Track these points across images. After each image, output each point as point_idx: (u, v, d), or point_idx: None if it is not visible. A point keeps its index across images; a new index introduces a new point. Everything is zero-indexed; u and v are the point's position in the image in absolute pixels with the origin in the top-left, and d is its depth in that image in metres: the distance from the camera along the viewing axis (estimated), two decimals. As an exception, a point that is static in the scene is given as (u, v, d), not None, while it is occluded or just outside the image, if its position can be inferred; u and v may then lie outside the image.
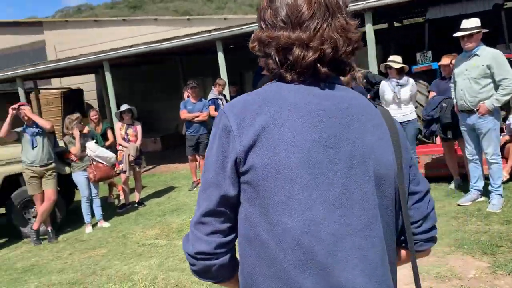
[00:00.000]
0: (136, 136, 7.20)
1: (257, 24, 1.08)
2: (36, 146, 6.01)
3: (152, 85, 14.58)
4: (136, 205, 7.18)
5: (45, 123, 6.05)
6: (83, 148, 6.24)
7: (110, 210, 7.19)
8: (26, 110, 6.02)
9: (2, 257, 5.73)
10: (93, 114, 7.83)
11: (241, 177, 0.98)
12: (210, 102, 8.05)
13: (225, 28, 8.69)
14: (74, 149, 6.19)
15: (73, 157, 6.23)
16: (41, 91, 15.03)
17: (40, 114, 14.00)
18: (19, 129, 6.09)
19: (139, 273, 4.40)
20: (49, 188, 6.04)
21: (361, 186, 0.99)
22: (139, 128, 7.27)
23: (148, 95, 14.61)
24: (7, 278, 4.87)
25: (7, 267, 5.26)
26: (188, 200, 7.04)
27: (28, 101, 14.17)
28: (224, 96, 8.42)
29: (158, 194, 7.85)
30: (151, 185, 8.74)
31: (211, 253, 1.03)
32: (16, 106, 6.03)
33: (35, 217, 6.25)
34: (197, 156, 7.80)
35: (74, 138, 6.21)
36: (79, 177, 6.24)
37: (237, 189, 1.00)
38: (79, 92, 15.55)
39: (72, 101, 14.68)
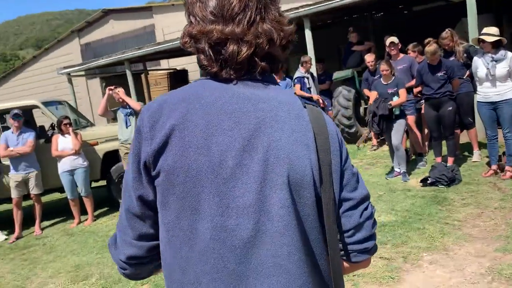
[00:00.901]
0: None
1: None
2: (130, 125, 6.55)
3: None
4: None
5: (135, 105, 6.53)
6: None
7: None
8: (120, 92, 6.56)
9: (101, 224, 6.41)
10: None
11: (154, 180, 0.95)
12: (295, 80, 7.96)
13: (313, 4, 8.45)
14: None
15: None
16: (150, 72, 16.25)
17: (148, 93, 15.16)
18: (115, 109, 6.69)
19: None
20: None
21: (275, 192, 0.91)
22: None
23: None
24: (101, 243, 5.45)
25: (102, 234, 5.88)
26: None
27: (139, 82, 15.45)
28: (311, 74, 8.25)
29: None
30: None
31: (143, 257, 1.02)
32: (112, 87, 6.61)
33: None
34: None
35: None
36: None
37: (154, 193, 0.96)
38: (184, 73, 16.48)
39: (178, 81, 15.64)
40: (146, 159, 0.93)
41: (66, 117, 6.53)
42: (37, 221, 6.62)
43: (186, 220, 0.91)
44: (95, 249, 5.29)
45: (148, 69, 16.52)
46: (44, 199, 7.33)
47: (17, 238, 6.39)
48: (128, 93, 13.46)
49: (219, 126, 0.91)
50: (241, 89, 0.96)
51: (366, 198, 1.02)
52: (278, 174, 0.91)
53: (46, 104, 7.36)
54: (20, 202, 6.49)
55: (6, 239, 6.46)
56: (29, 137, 6.44)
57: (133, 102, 6.55)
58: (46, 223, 6.92)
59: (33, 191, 6.49)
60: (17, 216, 6.48)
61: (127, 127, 6.53)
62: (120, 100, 6.54)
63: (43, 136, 6.86)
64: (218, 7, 0.94)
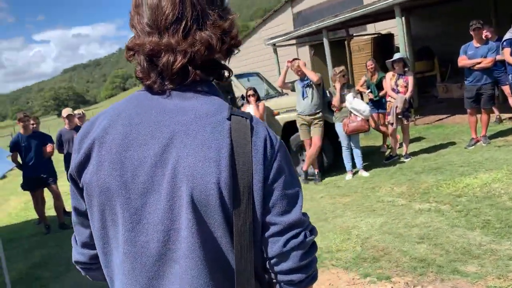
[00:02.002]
0: (406, 87, 6.86)
1: None
2: (306, 97, 6.70)
3: (458, 25, 13.07)
4: (402, 158, 7.00)
5: (313, 76, 6.61)
6: (343, 99, 6.51)
7: (377, 160, 7.28)
8: (299, 64, 6.73)
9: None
10: (369, 64, 7.89)
11: (83, 192, 0.98)
12: (505, 43, 6.68)
13: None
14: (335, 100, 6.55)
15: (334, 108, 6.62)
16: (354, 38, 15.99)
17: (350, 60, 15.03)
18: (293, 81, 6.92)
19: (359, 228, 4.47)
20: (315, 135, 6.69)
21: (183, 212, 0.87)
22: (410, 78, 6.87)
23: (452, 37, 13.21)
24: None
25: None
26: (457, 159, 6.31)
27: (343, 49, 15.42)
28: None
29: (430, 148, 7.34)
30: (430, 137, 8.20)
31: (88, 263, 1.08)
32: (291, 60, 6.83)
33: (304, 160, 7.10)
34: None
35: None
36: (338, 127, 6.61)
37: (85, 204, 0.99)
38: (389, 37, 15.65)
39: (382, 46, 14.97)
40: (72, 172, 0.99)
41: (251, 89, 7.08)
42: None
43: (109, 232, 0.94)
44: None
45: (354, 35, 16.31)
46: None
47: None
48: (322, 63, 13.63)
49: (135, 140, 0.90)
50: (168, 100, 0.93)
51: (297, 224, 0.88)
52: (184, 193, 0.86)
53: (239, 76, 8.13)
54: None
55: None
56: (223, 108, 7.28)
57: (311, 74, 6.64)
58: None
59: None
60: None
61: (303, 99, 6.70)
62: (298, 71, 6.72)
63: (233, 106, 7.62)
64: (152, 19, 0.93)
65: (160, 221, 0.87)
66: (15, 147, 6.59)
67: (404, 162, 6.86)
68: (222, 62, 0.98)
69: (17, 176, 8.97)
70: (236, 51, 0.97)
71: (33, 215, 7.41)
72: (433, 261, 3.48)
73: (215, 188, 0.84)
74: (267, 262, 0.90)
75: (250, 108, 7.02)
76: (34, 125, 7.20)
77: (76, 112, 7.91)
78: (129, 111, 0.94)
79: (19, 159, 6.67)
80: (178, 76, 0.91)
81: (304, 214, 0.92)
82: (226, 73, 0.97)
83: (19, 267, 5.20)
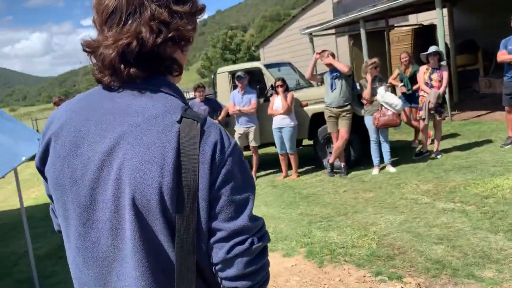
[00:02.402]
0: (440, 81, 6.61)
1: None
2: (335, 89, 6.59)
3: (505, 17, 12.41)
4: (432, 155, 6.78)
5: (343, 67, 6.48)
6: (374, 92, 6.36)
7: (407, 155, 7.10)
8: (327, 59, 6.62)
9: (302, 180, 6.84)
10: (404, 56, 7.65)
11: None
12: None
13: None
14: (365, 93, 6.41)
15: (364, 101, 6.48)
16: (395, 28, 15.50)
17: (389, 51, 14.62)
18: (322, 73, 6.83)
19: (378, 225, 4.39)
20: (343, 127, 6.59)
21: (126, 213, 0.88)
22: (445, 73, 6.61)
23: (498, 29, 12.55)
24: (291, 199, 5.87)
25: (298, 190, 6.29)
26: (489, 158, 6.05)
27: (382, 40, 15.02)
28: None
29: (464, 146, 7.06)
30: (465, 134, 7.89)
31: None
32: (319, 52, 6.73)
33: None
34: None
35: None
36: (367, 121, 6.48)
37: None
38: (432, 28, 15.06)
39: (424, 38, 14.44)
40: (36, 164, 1.02)
41: (279, 79, 7.03)
42: (253, 170, 7.55)
43: (65, 232, 0.97)
44: (284, 203, 5.74)
45: (395, 25, 15.82)
46: (262, 151, 8.24)
47: (237, 182, 7.48)
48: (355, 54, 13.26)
49: (86, 138, 0.92)
50: (120, 99, 0.93)
51: (243, 231, 0.87)
52: (126, 195, 0.87)
53: (269, 66, 8.09)
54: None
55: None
56: (252, 98, 7.29)
57: (340, 65, 6.51)
58: (262, 172, 7.81)
59: (252, 143, 7.40)
60: (238, 164, 7.55)
61: (332, 91, 6.60)
62: (327, 63, 6.62)
63: (262, 96, 7.61)
64: (96, 15, 0.94)
65: (108, 220, 0.89)
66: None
67: (434, 159, 6.65)
68: (177, 55, 0.95)
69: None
70: (183, 42, 0.93)
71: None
72: (449, 264, 3.37)
73: (157, 192, 0.84)
74: (213, 268, 0.90)
75: (278, 99, 7.00)
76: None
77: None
78: (85, 107, 0.95)
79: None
80: (112, 70, 0.90)
81: (254, 220, 0.90)
82: (176, 67, 0.95)
83: (47, 245, 5.45)
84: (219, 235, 0.87)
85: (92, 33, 0.98)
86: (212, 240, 0.87)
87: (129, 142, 0.87)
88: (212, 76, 8.60)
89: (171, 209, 0.85)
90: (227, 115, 7.58)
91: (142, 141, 0.87)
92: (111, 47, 0.88)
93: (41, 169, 1.00)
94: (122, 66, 0.90)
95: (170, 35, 0.89)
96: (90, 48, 0.92)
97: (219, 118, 7.60)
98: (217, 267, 0.89)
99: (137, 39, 0.87)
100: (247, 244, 0.87)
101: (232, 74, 7.77)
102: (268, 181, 7.21)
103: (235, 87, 7.61)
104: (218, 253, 0.87)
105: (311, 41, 13.86)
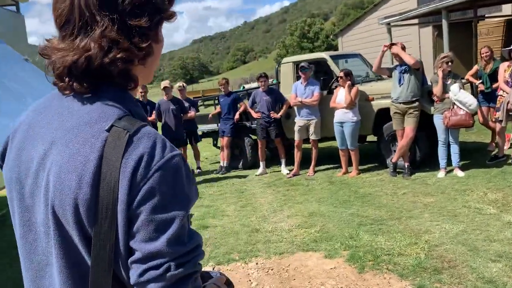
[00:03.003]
0: (524, 79, 5.97)
1: None
2: (402, 83, 6.22)
3: None
4: (510, 160, 6.18)
5: (409, 59, 6.09)
6: (446, 89, 5.89)
7: (480, 159, 6.54)
8: (394, 48, 6.25)
9: (361, 178, 6.58)
10: (484, 51, 7.00)
11: None
12: None
13: None
14: (436, 89, 5.96)
15: (434, 98, 6.04)
16: (485, 19, 14.29)
17: (475, 45, 13.53)
18: (392, 67, 6.47)
19: (431, 234, 4.10)
20: (409, 125, 6.21)
21: (49, 219, 0.86)
22: (531, 70, 5.96)
23: None
24: (345, 198, 5.67)
25: (355, 188, 6.06)
26: None
27: (470, 31, 13.93)
28: None
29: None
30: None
31: None
32: (387, 44, 6.36)
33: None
34: None
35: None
36: (436, 119, 6.03)
37: None
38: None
39: (517, 30, 13.17)
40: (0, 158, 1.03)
41: (343, 71, 6.77)
42: (312, 164, 7.40)
43: (14, 223, 0.97)
44: (337, 202, 5.55)
45: (486, 16, 14.60)
46: (322, 145, 8.04)
47: (294, 175, 7.38)
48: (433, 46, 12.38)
49: (30, 140, 0.91)
50: (66, 102, 0.91)
51: (159, 255, 0.79)
52: (49, 203, 0.85)
53: (336, 57, 7.83)
54: (300, 144, 7.41)
55: (287, 173, 7.55)
56: (315, 90, 7.12)
57: (407, 57, 6.12)
58: (321, 167, 7.64)
59: (312, 136, 7.25)
60: (297, 156, 7.44)
61: (399, 85, 6.24)
62: (397, 57, 6.25)
63: (326, 88, 7.39)
64: (54, 19, 0.92)
65: (42, 224, 0.87)
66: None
67: (511, 165, 6.05)
68: (135, 69, 0.90)
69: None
70: (137, 60, 0.88)
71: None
72: (504, 285, 3.05)
73: (72, 203, 0.81)
74: None
75: (341, 91, 6.76)
76: (143, 93, 7.83)
77: (177, 84, 8.40)
78: (42, 108, 0.94)
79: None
80: (64, 83, 0.88)
81: (178, 243, 0.81)
82: (129, 83, 0.90)
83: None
84: (136, 255, 0.80)
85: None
86: (129, 260, 0.81)
87: (58, 148, 0.85)
88: (276, 66, 8.52)
89: (87, 223, 0.81)
90: (289, 107, 7.48)
91: (68, 148, 0.84)
92: (59, 61, 0.86)
93: (1, 164, 1.01)
94: (67, 79, 0.88)
95: (118, 55, 0.85)
96: (44, 55, 0.90)
97: (281, 113, 7.53)
98: None
99: (84, 56, 0.84)
100: (161, 270, 0.79)
101: (297, 64, 7.62)
102: (326, 177, 7.03)
103: (299, 78, 7.46)
104: (133, 274, 0.81)
105: (389, 31, 13.18)
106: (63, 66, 0.86)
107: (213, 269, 3.86)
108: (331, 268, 3.63)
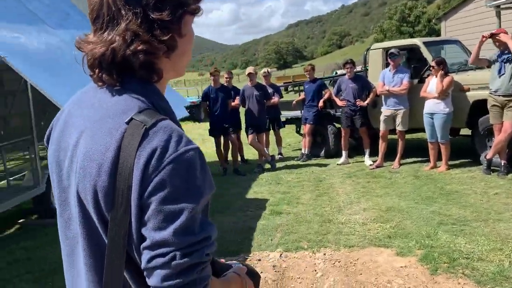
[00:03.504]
0: None
1: None
2: (503, 74, 5.67)
3: None
4: None
5: (514, 47, 5.49)
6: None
7: None
8: (502, 36, 5.67)
9: (451, 175, 6.15)
10: None
11: None
12: None
13: None
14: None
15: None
16: None
17: None
18: (490, 56, 5.90)
19: (521, 241, 3.72)
20: (508, 120, 5.66)
21: (73, 205, 0.94)
22: None
23: None
24: (429, 194, 5.35)
25: (442, 184, 5.69)
26: None
27: None
28: None
29: None
30: None
31: None
32: (487, 34, 5.79)
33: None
34: None
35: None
36: (541, 115, 5.41)
37: None
38: None
39: None
40: (44, 141, 1.13)
41: (435, 60, 6.33)
42: (398, 156, 7.07)
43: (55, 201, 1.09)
44: (419, 197, 5.27)
45: None
46: (409, 136, 7.63)
47: (377, 167, 7.12)
48: None
49: (67, 128, 1.00)
50: (99, 94, 0.98)
51: (167, 243, 0.82)
52: (69, 189, 0.94)
53: (431, 44, 7.33)
54: (386, 134, 7.12)
55: (370, 164, 7.31)
56: (404, 78, 6.76)
57: (512, 44, 5.53)
58: (408, 160, 7.27)
59: (399, 127, 6.92)
60: (381, 147, 7.16)
61: (499, 76, 5.69)
62: (497, 44, 5.69)
63: (417, 76, 6.97)
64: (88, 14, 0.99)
65: (74, 205, 0.95)
66: (205, 97, 7.55)
67: None
68: (160, 62, 0.94)
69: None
70: (158, 53, 0.92)
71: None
72: None
73: (92, 189, 0.87)
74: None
75: (433, 81, 6.34)
76: (228, 79, 8.06)
77: (262, 70, 8.49)
78: (81, 98, 1.03)
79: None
80: (95, 74, 0.94)
81: (185, 234, 0.83)
82: (152, 76, 0.94)
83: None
84: (146, 242, 0.85)
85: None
86: (141, 246, 0.86)
87: (85, 137, 0.92)
88: (364, 52, 8.21)
89: (104, 207, 0.87)
90: (376, 95, 7.20)
91: (92, 138, 0.90)
92: (90, 54, 0.93)
93: (47, 147, 1.12)
94: (97, 70, 0.94)
95: (139, 48, 0.89)
96: (79, 48, 0.98)
97: (367, 101, 7.27)
98: (145, 273, 0.87)
99: (110, 48, 0.90)
100: (167, 258, 0.82)
101: (386, 51, 7.28)
102: (411, 170, 6.68)
103: (388, 65, 7.13)
104: (143, 259, 0.85)
105: (498, 15, 11.99)
106: (93, 58, 0.92)
107: (280, 255, 3.91)
108: (401, 267, 3.48)
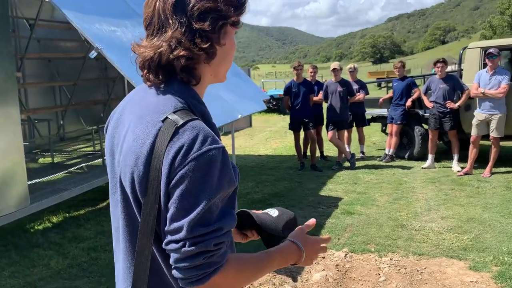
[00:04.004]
0: None
1: None
2: None
3: None
4: None
5: None
6: None
7: None
8: None
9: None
10: None
11: None
12: None
13: None
14: None
15: None
16: None
17: None
18: None
19: None
20: None
21: (117, 196, 1.09)
22: None
23: None
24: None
25: None
26: None
27: None
28: None
29: None
30: None
31: None
32: None
33: None
34: None
35: None
36: None
37: None
38: None
39: None
40: (104, 130, 1.29)
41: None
42: (490, 164, 6.56)
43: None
44: (507, 210, 4.88)
45: None
46: (504, 144, 7.03)
47: (466, 174, 6.67)
48: None
49: (120, 122, 1.14)
50: (146, 93, 1.10)
51: (179, 232, 0.94)
52: (118, 175, 1.08)
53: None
54: (478, 140, 6.63)
55: (458, 170, 6.87)
56: (503, 81, 6.24)
57: None
58: (501, 169, 6.72)
59: (493, 133, 6.41)
60: (472, 153, 6.69)
61: None
62: None
63: (519, 79, 6.38)
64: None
65: (120, 190, 1.09)
66: (287, 91, 7.62)
67: None
68: (200, 67, 1.05)
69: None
70: (199, 58, 1.02)
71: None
72: None
73: (130, 177, 1.01)
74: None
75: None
76: (312, 73, 8.06)
77: (348, 66, 8.35)
78: (130, 97, 1.17)
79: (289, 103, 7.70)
80: (144, 73, 1.07)
81: (198, 226, 0.93)
82: (190, 79, 1.05)
83: (264, 193, 6.22)
84: (166, 227, 0.97)
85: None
86: (165, 228, 0.98)
87: (129, 131, 1.06)
88: (461, 51, 7.67)
89: (139, 193, 1.00)
90: (468, 97, 6.74)
91: (134, 133, 1.03)
92: (141, 56, 1.06)
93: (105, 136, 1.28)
94: (145, 71, 1.07)
95: (181, 53, 1.00)
96: (134, 51, 1.11)
97: (459, 103, 6.83)
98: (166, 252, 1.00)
99: (157, 53, 1.02)
100: (179, 244, 0.94)
101: (485, 50, 6.74)
102: (504, 181, 6.18)
103: (486, 66, 6.61)
104: (164, 241, 0.98)
105: None
106: (143, 60, 1.05)
107: (345, 255, 3.88)
108: (472, 281, 3.28)
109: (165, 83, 1.06)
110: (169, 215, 0.95)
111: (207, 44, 1.02)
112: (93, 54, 3.38)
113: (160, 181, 0.96)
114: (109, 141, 1.16)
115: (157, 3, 1.03)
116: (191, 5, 1.00)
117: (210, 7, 1.01)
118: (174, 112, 1.00)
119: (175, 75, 1.05)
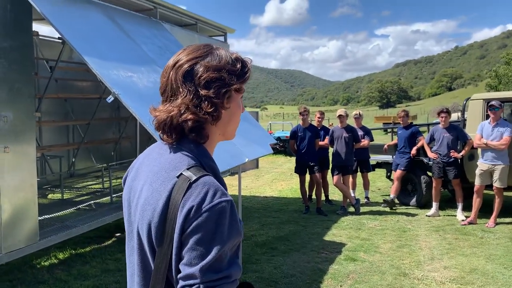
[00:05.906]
0: None
1: None
2: None
3: None
4: None
5: None
6: None
7: None
8: None
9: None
10: None
11: None
12: None
13: None
14: None
15: None
16: None
17: None
18: None
19: None
20: None
21: (133, 243, 1.20)
22: None
23: None
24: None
25: (536, 252, 5.19)
26: None
27: None
28: None
29: None
30: None
31: None
32: None
33: None
34: None
35: None
36: None
37: None
38: None
39: None
40: (122, 181, 1.41)
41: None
42: (494, 214, 6.58)
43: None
44: (504, 259, 4.87)
45: None
46: (508, 194, 7.06)
47: (470, 223, 6.68)
48: None
49: (138, 175, 1.27)
50: (161, 150, 1.25)
51: (193, 277, 1.03)
52: (134, 224, 1.20)
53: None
54: (481, 190, 6.68)
55: (462, 220, 6.88)
56: (505, 133, 6.37)
57: None
58: (505, 219, 6.73)
59: (496, 183, 6.47)
60: (476, 203, 6.72)
61: None
62: None
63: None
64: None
65: (135, 237, 1.21)
66: (293, 135, 7.79)
67: None
68: (207, 127, 1.19)
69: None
70: (205, 121, 1.16)
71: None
72: None
73: (147, 227, 1.12)
74: None
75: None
76: (320, 119, 8.25)
77: (353, 112, 8.55)
78: (147, 152, 1.30)
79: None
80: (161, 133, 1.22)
81: (212, 272, 1.03)
82: (198, 138, 1.18)
83: (268, 235, 6.26)
84: (180, 274, 1.07)
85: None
86: (177, 276, 1.08)
87: (146, 185, 1.18)
88: (464, 102, 7.86)
89: (155, 241, 1.11)
90: (472, 147, 6.85)
91: (151, 187, 1.16)
92: (156, 119, 1.21)
93: (123, 187, 1.41)
94: (160, 132, 1.22)
95: (188, 117, 1.15)
96: (151, 114, 1.26)
97: (462, 153, 6.95)
98: None
99: (169, 116, 1.17)
100: None
101: (487, 102, 6.92)
102: (508, 232, 6.18)
103: (488, 117, 6.76)
104: (177, 286, 1.07)
105: None
106: (158, 122, 1.20)
107: (347, 303, 3.88)
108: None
109: (177, 142, 1.20)
110: (183, 261, 1.05)
111: (212, 109, 1.16)
112: (110, 99, 3.56)
113: (174, 232, 1.07)
114: (127, 191, 1.28)
115: (171, 73, 1.18)
116: (198, 75, 1.15)
117: (214, 77, 1.16)
118: (188, 169, 1.13)
119: (185, 135, 1.19)
